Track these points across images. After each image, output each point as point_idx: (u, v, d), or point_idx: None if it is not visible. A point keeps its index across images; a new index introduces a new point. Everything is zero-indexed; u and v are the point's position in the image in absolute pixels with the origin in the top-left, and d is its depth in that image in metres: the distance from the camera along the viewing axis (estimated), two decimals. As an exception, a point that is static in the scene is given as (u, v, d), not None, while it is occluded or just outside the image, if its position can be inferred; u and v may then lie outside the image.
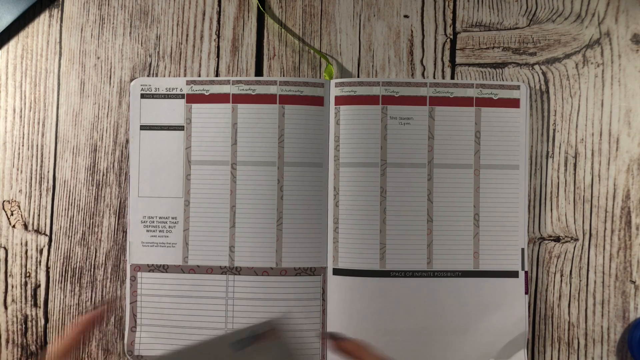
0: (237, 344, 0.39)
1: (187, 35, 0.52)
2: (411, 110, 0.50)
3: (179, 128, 0.51)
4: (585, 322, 0.50)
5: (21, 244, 0.52)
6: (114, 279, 0.51)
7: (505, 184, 0.50)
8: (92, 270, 0.51)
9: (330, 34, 0.52)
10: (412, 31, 0.52)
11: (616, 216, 0.50)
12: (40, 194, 0.52)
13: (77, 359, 0.51)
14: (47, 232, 0.52)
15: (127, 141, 0.52)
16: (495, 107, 0.50)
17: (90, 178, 0.52)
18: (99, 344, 0.51)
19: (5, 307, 0.51)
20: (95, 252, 0.51)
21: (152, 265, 0.50)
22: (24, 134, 0.52)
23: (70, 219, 0.52)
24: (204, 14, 0.52)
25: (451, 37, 0.52)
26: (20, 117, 0.52)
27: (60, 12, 0.52)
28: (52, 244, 0.52)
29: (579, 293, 0.50)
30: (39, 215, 0.52)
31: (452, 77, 0.51)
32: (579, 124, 0.51)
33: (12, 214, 0.52)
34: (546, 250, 0.50)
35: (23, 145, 0.52)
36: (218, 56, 0.52)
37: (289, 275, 0.50)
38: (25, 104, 0.52)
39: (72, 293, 0.51)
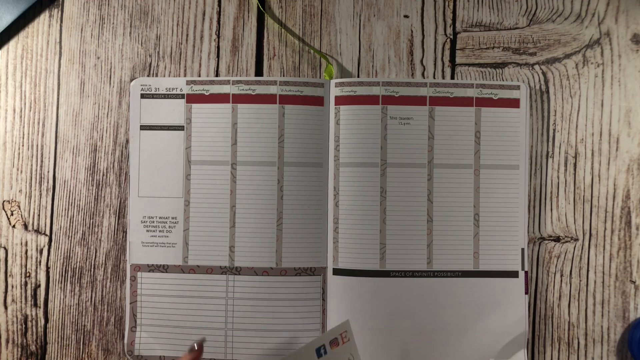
0: (320, 350, 0.44)
1: (187, 35, 0.52)
2: (411, 110, 0.50)
3: (179, 128, 0.51)
4: (585, 322, 0.50)
5: (21, 244, 0.52)
6: (114, 279, 0.51)
7: (505, 184, 0.50)
8: (92, 270, 0.51)
9: (330, 34, 0.52)
10: (412, 31, 0.52)
11: (616, 216, 0.50)
12: (40, 194, 0.52)
13: (77, 359, 0.51)
14: (47, 232, 0.52)
15: (127, 141, 0.52)
16: (495, 107, 0.50)
17: (90, 178, 0.52)
18: (99, 344, 0.51)
19: (5, 307, 0.52)
20: (95, 252, 0.51)
21: (152, 265, 0.50)
22: (24, 134, 0.52)
23: (70, 219, 0.52)
24: (204, 14, 0.52)
25: (451, 37, 0.52)
26: (20, 117, 0.52)
27: (60, 12, 0.52)
28: (52, 244, 0.52)
29: (579, 293, 0.50)
30: (39, 215, 0.52)
31: (452, 77, 0.51)
32: (579, 124, 0.51)
33: (12, 214, 0.52)
34: (546, 250, 0.50)
35: (23, 145, 0.52)
36: (218, 56, 0.52)
37: (289, 275, 0.50)
38: (25, 104, 0.52)
39: (72, 293, 0.51)
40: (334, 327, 0.46)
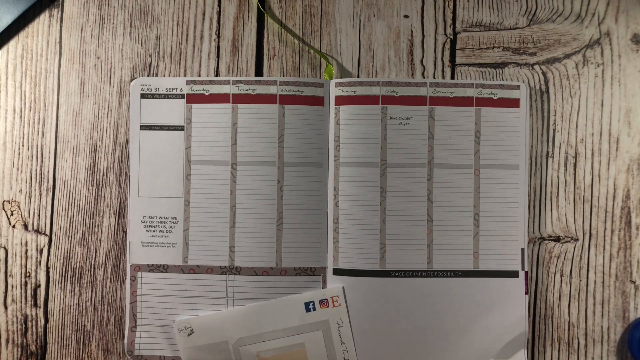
0: (309, 305, 0.48)
1: (187, 35, 0.52)
2: (411, 110, 0.50)
3: (179, 128, 0.51)
4: (585, 322, 0.50)
5: (21, 244, 0.52)
6: (114, 279, 0.51)
7: (505, 184, 0.50)
8: (92, 270, 0.51)
9: (330, 34, 0.52)
10: (412, 31, 0.52)
11: (616, 216, 0.50)
12: (40, 194, 0.52)
13: (77, 359, 0.51)
14: (47, 232, 0.52)
15: (127, 141, 0.52)
16: (495, 107, 0.50)
17: (90, 178, 0.52)
18: (99, 344, 0.51)
19: (5, 307, 0.52)
20: (95, 252, 0.51)
21: (152, 265, 0.50)
22: (24, 134, 0.52)
23: (70, 219, 0.52)
24: (204, 14, 0.52)
25: (451, 37, 0.52)
26: (20, 117, 0.52)
27: (60, 12, 0.52)
28: (52, 244, 0.52)
29: (579, 293, 0.50)
30: (39, 215, 0.52)
31: (452, 77, 0.51)
32: (579, 124, 0.51)
33: (12, 214, 0.52)
34: (546, 250, 0.50)
35: (23, 145, 0.52)
36: (218, 56, 0.52)
37: (289, 275, 0.50)
38: (25, 104, 0.52)
39: (72, 293, 0.51)
40: (326, 288, 0.48)
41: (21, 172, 0.52)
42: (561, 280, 0.50)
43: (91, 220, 0.52)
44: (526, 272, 0.50)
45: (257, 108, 0.50)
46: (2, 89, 0.52)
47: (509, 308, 0.49)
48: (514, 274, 0.50)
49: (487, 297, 0.49)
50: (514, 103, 0.50)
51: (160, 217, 0.50)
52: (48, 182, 0.52)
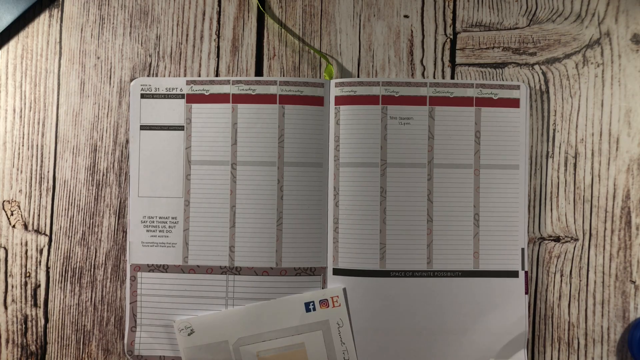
0: (309, 305, 0.48)
1: (187, 35, 0.52)
2: (411, 110, 0.50)
3: (179, 128, 0.51)
4: (585, 322, 0.50)
5: (21, 244, 0.52)
6: (114, 279, 0.51)
7: (505, 184, 0.50)
8: (92, 270, 0.51)
9: (330, 34, 0.52)
10: (412, 31, 0.52)
11: (616, 216, 0.50)
12: (40, 194, 0.52)
13: (77, 359, 0.51)
14: (47, 232, 0.52)
15: (127, 141, 0.52)
16: (495, 107, 0.50)
17: (90, 178, 0.52)
18: (99, 344, 0.51)
19: (5, 307, 0.52)
20: (95, 252, 0.51)
21: (152, 265, 0.50)
22: (24, 134, 0.52)
23: (70, 219, 0.52)
24: (204, 14, 0.52)
25: (451, 37, 0.52)
26: (20, 117, 0.52)
27: (60, 12, 0.52)
28: (52, 244, 0.52)
29: (579, 293, 0.50)
30: (39, 215, 0.52)
31: (452, 77, 0.51)
32: (579, 124, 0.51)
33: (12, 214, 0.52)
34: (546, 250, 0.50)
35: (23, 145, 0.52)
36: (218, 56, 0.52)
37: (289, 275, 0.50)
38: (25, 104, 0.52)
39: (72, 293, 0.51)
40: (326, 289, 0.49)
41: (21, 172, 0.52)
42: (561, 280, 0.50)
43: (91, 220, 0.52)
44: (526, 272, 0.50)
45: (257, 108, 0.50)
46: (2, 89, 0.52)
47: (509, 308, 0.49)
48: (514, 274, 0.50)
49: (487, 297, 0.49)
50: (514, 103, 0.50)
51: (160, 217, 0.50)
52: (48, 182, 0.52)
